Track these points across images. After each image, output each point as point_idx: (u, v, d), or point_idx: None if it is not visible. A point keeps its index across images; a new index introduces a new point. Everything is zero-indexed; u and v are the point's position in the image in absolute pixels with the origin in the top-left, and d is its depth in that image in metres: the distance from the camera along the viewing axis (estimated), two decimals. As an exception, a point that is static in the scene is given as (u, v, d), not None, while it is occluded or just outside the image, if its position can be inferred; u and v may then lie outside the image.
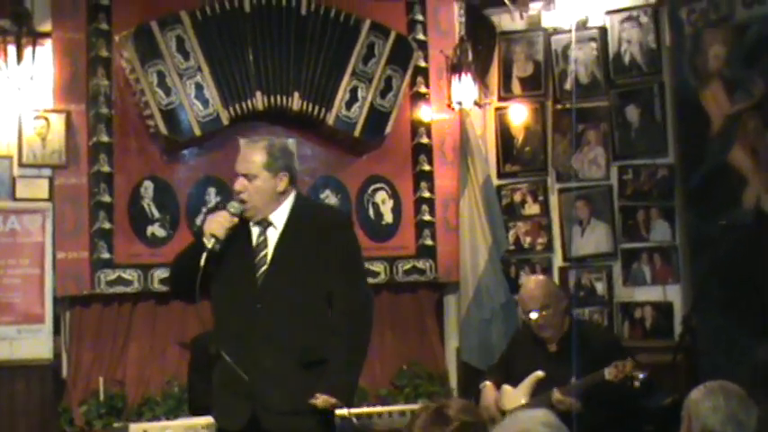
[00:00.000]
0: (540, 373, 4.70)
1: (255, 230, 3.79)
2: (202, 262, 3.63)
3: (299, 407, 3.64)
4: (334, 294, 3.76)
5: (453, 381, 6.13)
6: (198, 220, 5.61)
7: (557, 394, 4.56)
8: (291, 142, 4.08)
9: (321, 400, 3.65)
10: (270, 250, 3.74)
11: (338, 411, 3.85)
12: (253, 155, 3.77)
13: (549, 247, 6.19)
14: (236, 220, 3.71)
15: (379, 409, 4.80)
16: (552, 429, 2.22)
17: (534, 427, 2.21)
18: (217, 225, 3.68)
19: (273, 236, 3.77)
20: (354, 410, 4.20)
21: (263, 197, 3.74)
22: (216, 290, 3.79)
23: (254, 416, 3.66)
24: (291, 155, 3.84)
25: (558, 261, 6.18)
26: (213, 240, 3.66)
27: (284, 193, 3.78)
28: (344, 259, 3.80)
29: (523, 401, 4.69)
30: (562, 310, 4.85)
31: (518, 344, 5.10)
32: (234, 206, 3.73)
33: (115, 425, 4.81)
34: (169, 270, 4.17)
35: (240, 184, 3.76)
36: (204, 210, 5.63)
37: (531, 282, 5.01)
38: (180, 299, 4.36)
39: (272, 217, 3.77)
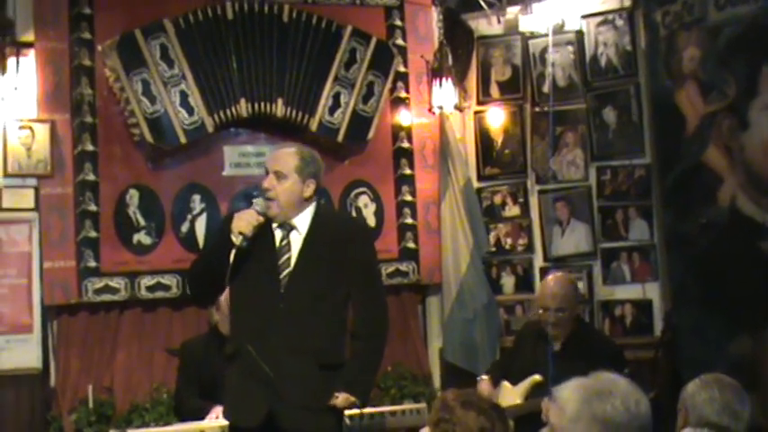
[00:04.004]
0: (538, 377, 4.79)
1: (278, 233, 3.83)
2: (231, 259, 3.68)
3: (317, 404, 3.71)
4: (354, 301, 3.88)
5: (437, 381, 6.19)
6: (183, 228, 5.66)
7: (547, 403, 4.65)
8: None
9: (341, 398, 3.74)
10: (294, 253, 3.80)
11: (351, 411, 3.93)
12: (286, 156, 3.84)
13: (529, 247, 6.28)
14: (262, 218, 3.75)
15: (389, 408, 4.90)
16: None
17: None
18: (245, 223, 3.71)
19: (297, 240, 3.82)
20: (367, 410, 4.29)
21: (289, 199, 3.79)
22: (237, 289, 3.85)
23: (270, 413, 3.70)
24: (320, 165, 3.91)
25: (538, 261, 6.26)
26: (241, 238, 3.69)
27: (308, 200, 3.84)
28: (364, 268, 3.91)
29: (518, 401, 4.77)
30: (576, 313, 4.97)
31: (523, 338, 5.17)
32: (260, 204, 3.78)
33: (110, 432, 4.84)
34: (190, 272, 4.18)
35: (269, 181, 3.80)
36: (189, 216, 5.69)
37: (554, 280, 5.02)
38: (198, 299, 4.36)
39: (296, 221, 3.83)
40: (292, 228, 3.84)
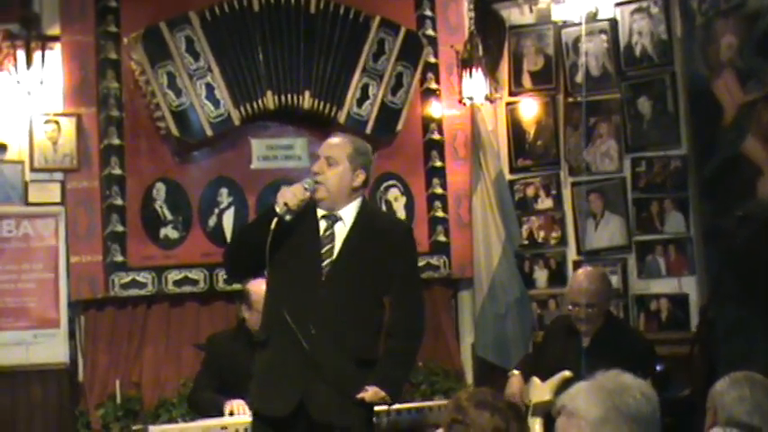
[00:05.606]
0: (568, 373, 4.66)
1: (323, 223, 3.79)
2: (273, 225, 3.62)
3: (349, 395, 3.66)
4: (392, 301, 3.85)
5: (469, 377, 6.12)
6: (210, 221, 5.62)
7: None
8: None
9: (371, 392, 3.68)
10: (337, 244, 3.76)
11: (379, 407, 3.89)
12: (341, 143, 3.82)
13: (562, 240, 6.17)
14: (308, 195, 3.70)
15: (419, 404, 4.85)
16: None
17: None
18: (291, 195, 3.66)
19: (341, 231, 3.78)
20: (396, 406, 4.23)
21: (338, 185, 3.76)
22: (276, 273, 3.79)
23: (300, 403, 3.64)
24: (372, 159, 3.89)
25: (572, 255, 6.15)
26: (285, 208, 3.64)
27: (356, 191, 3.81)
28: (405, 267, 3.87)
29: (548, 398, 4.67)
30: (606, 308, 4.86)
31: (553, 333, 5.06)
32: (309, 182, 3.73)
33: (134, 427, 4.80)
34: (229, 244, 4.13)
35: (319, 165, 3.78)
36: (217, 210, 5.65)
37: (585, 275, 4.87)
38: (233, 271, 4.28)
39: (342, 212, 3.80)
40: (338, 219, 3.80)
